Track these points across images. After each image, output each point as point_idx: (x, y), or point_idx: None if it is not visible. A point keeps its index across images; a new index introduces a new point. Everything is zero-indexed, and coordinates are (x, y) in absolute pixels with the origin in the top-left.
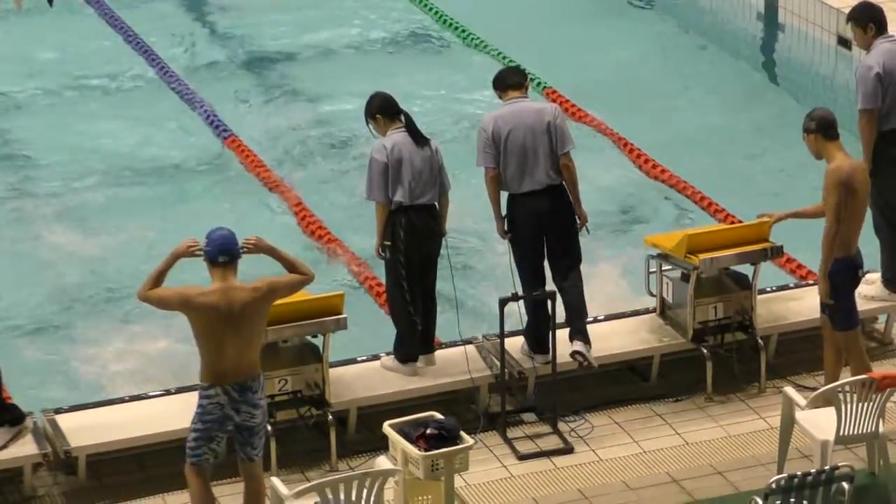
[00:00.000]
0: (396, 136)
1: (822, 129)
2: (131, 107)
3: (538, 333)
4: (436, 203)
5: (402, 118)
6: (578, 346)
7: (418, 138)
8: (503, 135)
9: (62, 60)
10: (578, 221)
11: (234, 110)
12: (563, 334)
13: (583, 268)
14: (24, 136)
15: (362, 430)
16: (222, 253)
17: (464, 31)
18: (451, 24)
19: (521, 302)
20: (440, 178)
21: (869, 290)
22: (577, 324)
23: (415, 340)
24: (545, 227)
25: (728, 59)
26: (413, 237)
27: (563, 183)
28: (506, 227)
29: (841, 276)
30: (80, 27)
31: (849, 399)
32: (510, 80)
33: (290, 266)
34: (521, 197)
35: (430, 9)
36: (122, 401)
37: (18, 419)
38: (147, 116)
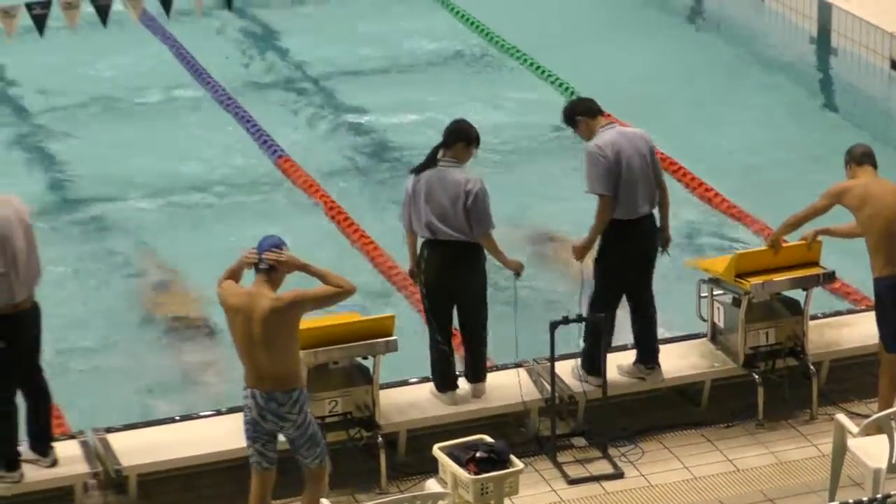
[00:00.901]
0: (427, 172)
1: (855, 158)
2: (183, 124)
3: (594, 357)
4: (468, 240)
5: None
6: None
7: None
8: (623, 161)
9: (115, 77)
10: (662, 243)
11: (285, 128)
12: (614, 358)
13: None
14: (77, 151)
15: (412, 452)
16: (262, 260)
17: (517, 50)
18: (502, 44)
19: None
20: (472, 219)
21: None
22: (653, 345)
23: (446, 368)
24: (641, 253)
25: (780, 83)
26: (431, 271)
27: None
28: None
29: (888, 294)
30: (133, 44)
31: None
32: (596, 106)
33: (324, 279)
34: (625, 223)
35: (480, 28)
36: (172, 420)
37: (12, 465)
38: (199, 133)
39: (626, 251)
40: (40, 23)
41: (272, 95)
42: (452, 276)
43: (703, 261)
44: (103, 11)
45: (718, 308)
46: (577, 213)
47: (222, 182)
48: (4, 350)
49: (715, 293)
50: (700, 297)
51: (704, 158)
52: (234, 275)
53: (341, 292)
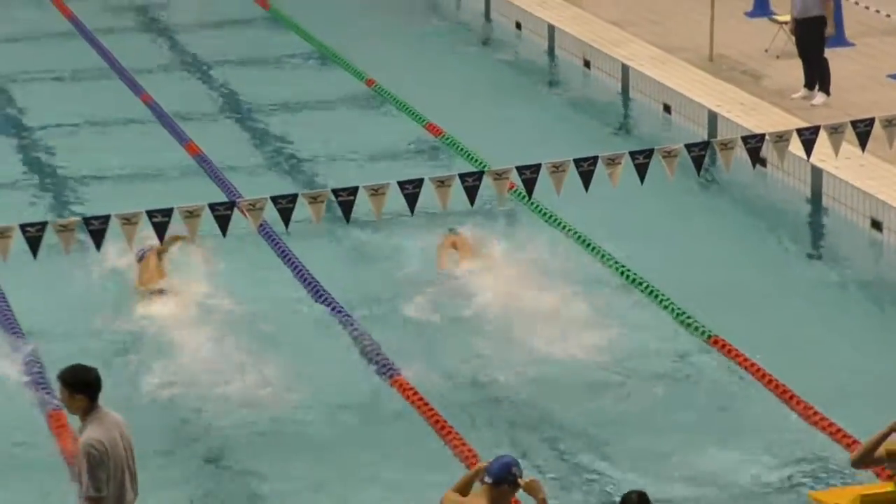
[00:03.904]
0: None
1: None
2: (298, 339)
3: None
4: None
5: None
6: None
7: None
8: None
9: (233, 293)
10: None
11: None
12: None
13: None
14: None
15: None
16: (488, 475)
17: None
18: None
19: None
20: None
21: None
22: None
23: None
24: None
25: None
26: None
27: None
28: None
29: None
30: (252, 258)
31: None
32: None
33: None
34: None
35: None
36: None
37: None
38: (312, 351)
39: None
40: (160, 230)
41: (392, 313)
42: None
43: (822, 493)
44: (223, 222)
45: None
46: None
47: (334, 402)
48: None
49: None
50: None
51: (817, 383)
52: (466, 485)
53: None
